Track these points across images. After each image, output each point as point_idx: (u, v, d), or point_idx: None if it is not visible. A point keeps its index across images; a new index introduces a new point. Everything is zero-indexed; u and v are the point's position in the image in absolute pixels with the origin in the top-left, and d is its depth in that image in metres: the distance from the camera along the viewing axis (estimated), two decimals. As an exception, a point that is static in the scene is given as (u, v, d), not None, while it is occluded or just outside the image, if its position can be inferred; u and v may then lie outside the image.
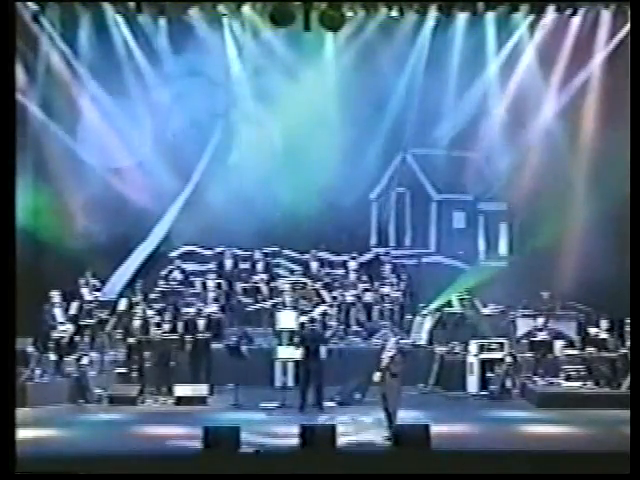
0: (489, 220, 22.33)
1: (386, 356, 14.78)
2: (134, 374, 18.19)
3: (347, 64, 21.07)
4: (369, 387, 16.38)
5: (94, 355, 18.53)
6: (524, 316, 19.85)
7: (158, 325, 18.52)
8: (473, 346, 18.66)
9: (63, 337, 18.09)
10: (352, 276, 21.25)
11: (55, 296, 18.65)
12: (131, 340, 18.34)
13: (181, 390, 17.58)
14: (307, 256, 21.67)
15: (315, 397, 16.91)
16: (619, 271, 18.15)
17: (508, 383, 18.03)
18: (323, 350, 17.24)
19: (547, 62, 21.02)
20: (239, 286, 21.20)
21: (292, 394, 17.31)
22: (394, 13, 20.34)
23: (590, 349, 18.16)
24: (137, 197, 21.05)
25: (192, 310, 19.37)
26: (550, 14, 20.42)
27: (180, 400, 17.50)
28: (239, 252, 21.74)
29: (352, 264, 21.39)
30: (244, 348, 18.12)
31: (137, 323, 18.50)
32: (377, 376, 14.69)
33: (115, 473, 12.34)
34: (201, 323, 18.87)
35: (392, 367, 14.63)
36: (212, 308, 19.94)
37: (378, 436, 14.54)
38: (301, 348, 17.17)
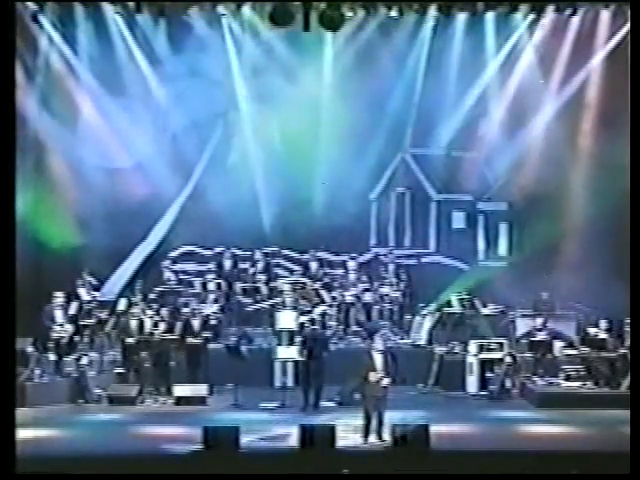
0: (489, 220, 22.33)
1: (379, 357, 14.74)
2: (133, 374, 18.19)
3: (346, 64, 21.05)
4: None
5: (93, 355, 18.53)
6: (523, 316, 19.85)
7: (157, 325, 18.52)
8: (473, 346, 18.67)
9: (62, 337, 18.10)
10: (351, 276, 21.25)
11: (55, 296, 18.61)
12: (130, 340, 18.34)
13: (180, 390, 17.58)
14: (306, 256, 21.67)
15: (314, 397, 16.95)
16: (618, 271, 18.14)
17: (508, 383, 18.03)
18: (324, 350, 17.29)
19: (546, 62, 21.02)
20: (238, 286, 21.21)
21: (292, 394, 17.32)
22: (393, 13, 20.32)
23: (589, 349, 18.17)
24: (137, 197, 21.04)
25: (191, 310, 19.38)
26: (550, 14, 20.41)
27: (179, 400, 17.49)
28: (238, 252, 21.74)
29: (351, 264, 21.39)
30: (244, 348, 18.12)
31: (136, 323, 18.50)
32: (374, 377, 14.64)
33: (115, 473, 12.38)
34: (199, 323, 18.85)
35: (389, 369, 14.64)
36: (211, 308, 19.96)
37: (378, 436, 14.53)
38: (304, 349, 17.20)
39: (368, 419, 14.53)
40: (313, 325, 18.12)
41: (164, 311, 18.86)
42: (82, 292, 19.81)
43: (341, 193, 21.27)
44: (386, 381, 14.60)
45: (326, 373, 17.03)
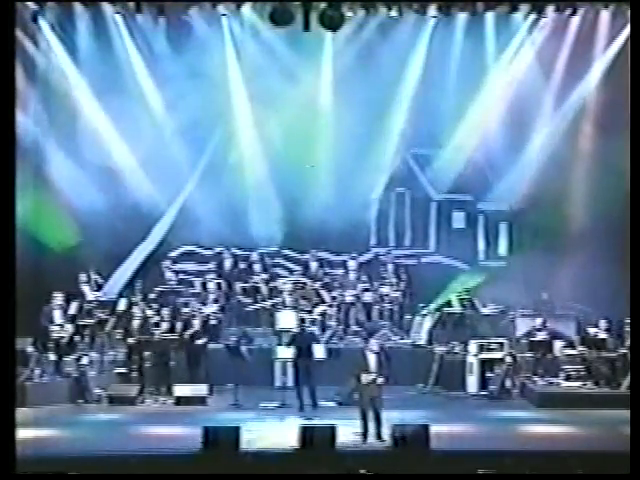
0: (489, 220, 22.32)
1: (373, 357, 14.75)
2: (133, 374, 18.20)
3: (346, 64, 21.04)
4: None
5: (94, 355, 18.52)
6: (523, 316, 19.87)
7: (157, 325, 18.52)
8: (473, 346, 18.68)
9: (63, 337, 18.09)
10: (352, 276, 21.25)
11: (54, 297, 18.60)
12: (130, 340, 18.34)
13: (180, 390, 17.58)
14: (307, 256, 21.67)
15: (310, 397, 16.94)
16: (618, 271, 18.13)
17: (508, 383, 18.03)
18: (316, 350, 17.27)
19: (547, 62, 21.01)
20: (238, 286, 21.20)
21: (292, 394, 17.30)
22: (393, 13, 20.33)
23: (589, 349, 18.16)
24: (136, 197, 21.05)
25: (191, 310, 19.38)
26: (550, 14, 20.40)
27: (179, 400, 17.50)
28: (238, 252, 21.74)
29: (351, 264, 21.39)
30: (244, 348, 18.13)
31: (136, 323, 18.51)
32: (367, 378, 14.66)
33: (115, 473, 12.38)
34: (199, 323, 18.85)
35: (382, 369, 14.66)
36: (211, 308, 19.96)
37: (378, 436, 14.53)
38: (293, 349, 17.22)
39: (364, 419, 14.55)
40: (304, 325, 18.16)
41: (164, 311, 18.86)
42: (86, 290, 19.83)
43: (341, 193, 21.25)
44: (380, 381, 14.62)
45: (317, 373, 17.04)
